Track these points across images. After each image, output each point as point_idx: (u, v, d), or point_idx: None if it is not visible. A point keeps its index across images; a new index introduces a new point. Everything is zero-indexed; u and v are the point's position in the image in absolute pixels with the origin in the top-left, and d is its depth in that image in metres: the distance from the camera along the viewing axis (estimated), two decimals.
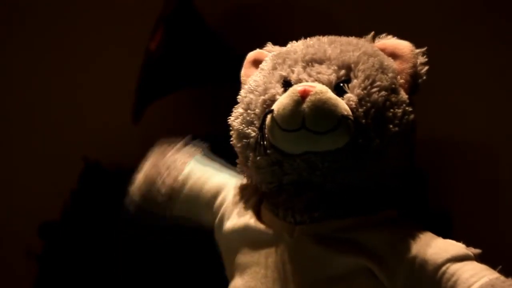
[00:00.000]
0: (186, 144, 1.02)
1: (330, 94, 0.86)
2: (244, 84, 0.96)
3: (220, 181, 0.99)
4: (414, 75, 0.92)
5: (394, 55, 0.92)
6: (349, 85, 0.88)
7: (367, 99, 0.87)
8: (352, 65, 0.89)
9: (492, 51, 1.75)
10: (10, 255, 1.98)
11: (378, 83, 0.88)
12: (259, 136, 0.88)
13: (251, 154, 0.90)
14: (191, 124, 1.92)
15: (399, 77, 0.91)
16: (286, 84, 0.90)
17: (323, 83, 0.87)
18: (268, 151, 0.88)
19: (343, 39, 0.94)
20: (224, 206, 0.96)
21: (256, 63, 0.97)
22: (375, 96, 0.87)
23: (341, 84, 0.88)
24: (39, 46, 2.01)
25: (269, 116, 0.87)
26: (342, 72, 0.89)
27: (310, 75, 0.89)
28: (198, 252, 1.21)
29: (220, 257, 0.98)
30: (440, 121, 1.73)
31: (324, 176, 0.87)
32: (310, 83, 0.87)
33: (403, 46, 0.93)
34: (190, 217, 1.01)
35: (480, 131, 1.76)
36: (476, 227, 1.60)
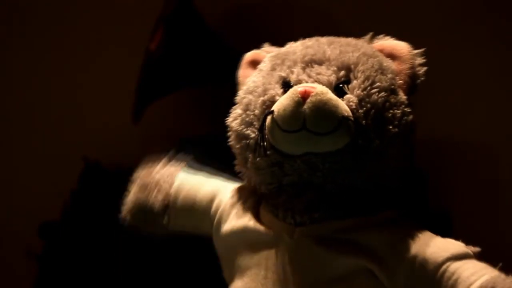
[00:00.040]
0: (170, 159, 1.02)
1: (331, 95, 0.86)
2: (242, 85, 0.96)
3: (213, 187, 0.99)
4: (412, 76, 0.92)
5: (392, 56, 0.92)
6: (349, 86, 0.88)
7: (367, 100, 0.87)
8: (352, 66, 0.89)
9: (492, 51, 1.75)
10: (10, 255, 1.98)
11: (377, 84, 0.88)
12: (259, 137, 0.88)
13: (250, 155, 0.90)
14: (191, 124, 1.92)
15: (397, 78, 0.91)
16: (286, 85, 0.90)
17: (322, 84, 0.87)
18: (268, 152, 0.87)
19: (342, 40, 0.94)
20: (220, 209, 0.96)
21: (254, 63, 0.97)
22: (374, 97, 0.87)
23: (341, 85, 0.88)
24: (39, 46, 2.01)
25: (269, 117, 0.86)
26: (342, 73, 0.89)
27: (309, 76, 0.89)
28: (197, 251, 1.21)
29: (218, 259, 0.97)
30: (440, 121, 1.73)
31: (324, 177, 0.87)
32: (310, 84, 0.87)
33: (401, 47, 0.93)
34: (189, 229, 1.00)
35: (480, 131, 1.76)
36: (476, 227, 1.60)
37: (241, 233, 0.92)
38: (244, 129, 0.90)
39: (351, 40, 0.94)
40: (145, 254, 1.65)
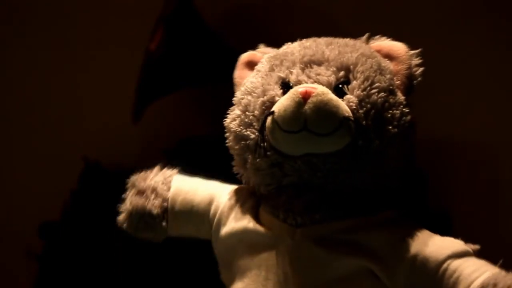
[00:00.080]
0: (162, 168, 1.01)
1: (332, 96, 0.86)
2: (238, 85, 0.95)
3: (210, 190, 0.98)
4: (410, 77, 0.92)
5: (389, 57, 0.92)
6: (348, 86, 0.88)
7: (367, 100, 0.87)
8: (351, 67, 0.89)
9: (492, 51, 1.75)
10: (10, 255, 1.98)
11: (377, 84, 0.88)
12: (259, 138, 0.88)
13: (250, 156, 0.89)
14: (191, 124, 1.93)
15: (395, 78, 0.91)
16: (285, 85, 0.89)
17: (322, 85, 0.87)
18: (268, 153, 0.87)
19: (340, 40, 0.94)
20: (219, 211, 0.95)
21: (250, 64, 0.96)
22: (374, 97, 0.87)
23: (340, 86, 0.88)
24: (39, 46, 2.01)
25: (269, 118, 0.86)
26: (341, 73, 0.89)
27: (309, 77, 0.88)
28: (196, 251, 1.21)
29: (215, 261, 0.97)
30: (440, 121, 1.73)
31: (324, 178, 0.87)
32: (311, 85, 0.87)
33: (398, 47, 0.93)
34: (188, 233, 0.99)
35: (480, 131, 1.77)
36: (476, 227, 1.61)
37: (241, 235, 0.92)
38: (244, 130, 0.90)
39: (349, 41, 0.94)
40: (145, 254, 1.65)
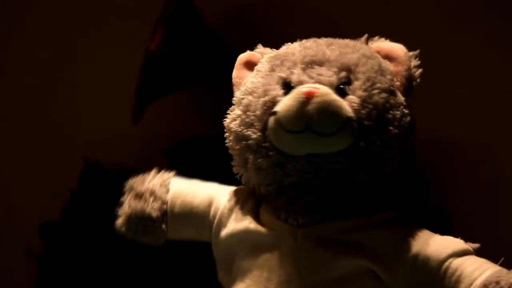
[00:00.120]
0: (159, 171, 1.01)
1: (335, 96, 0.86)
2: (237, 85, 0.95)
3: (209, 191, 0.97)
4: (409, 78, 0.92)
5: (388, 58, 0.92)
6: (350, 87, 0.88)
7: (369, 100, 0.87)
8: (352, 67, 0.89)
9: (492, 51, 1.75)
10: (10, 255, 1.98)
11: (378, 85, 0.88)
12: (261, 138, 0.88)
13: (251, 156, 0.89)
14: (191, 124, 1.93)
15: (395, 79, 0.91)
16: (286, 86, 0.89)
17: (324, 85, 0.87)
18: (270, 153, 0.87)
19: (340, 41, 0.93)
20: (219, 213, 0.95)
21: (248, 64, 0.96)
22: (376, 97, 0.87)
23: (341, 86, 0.88)
24: (39, 46, 2.01)
25: (272, 118, 0.86)
26: (343, 74, 0.88)
27: (310, 77, 0.88)
28: (195, 251, 1.21)
29: (213, 262, 0.97)
30: (440, 121, 1.73)
31: (326, 178, 0.87)
32: (314, 85, 0.87)
33: (397, 48, 0.93)
34: (187, 236, 0.99)
35: (480, 131, 1.77)
36: (476, 227, 1.60)
37: (242, 236, 0.92)
38: (244, 130, 0.90)
39: (349, 42, 0.94)
40: (145, 254, 1.65)
